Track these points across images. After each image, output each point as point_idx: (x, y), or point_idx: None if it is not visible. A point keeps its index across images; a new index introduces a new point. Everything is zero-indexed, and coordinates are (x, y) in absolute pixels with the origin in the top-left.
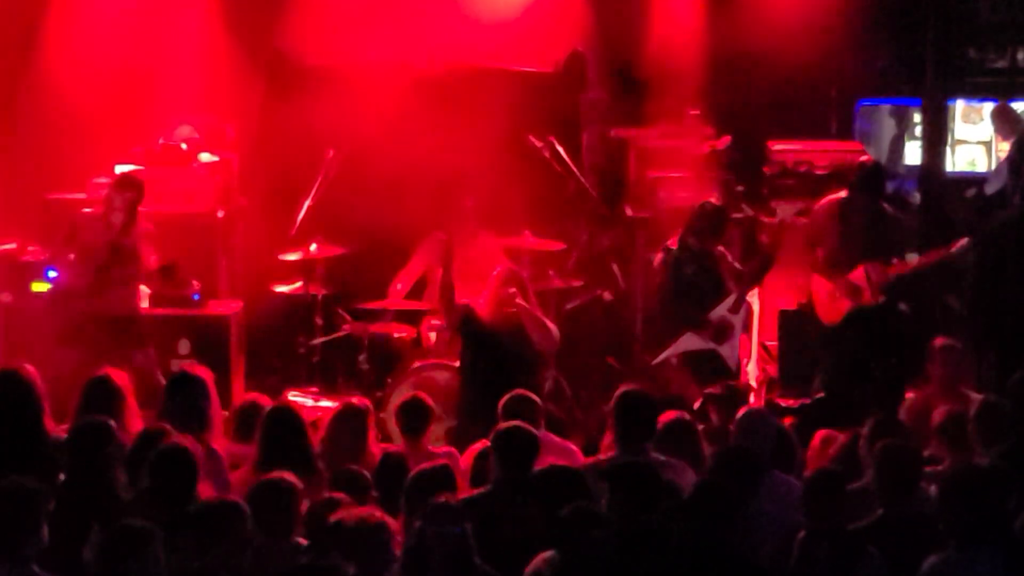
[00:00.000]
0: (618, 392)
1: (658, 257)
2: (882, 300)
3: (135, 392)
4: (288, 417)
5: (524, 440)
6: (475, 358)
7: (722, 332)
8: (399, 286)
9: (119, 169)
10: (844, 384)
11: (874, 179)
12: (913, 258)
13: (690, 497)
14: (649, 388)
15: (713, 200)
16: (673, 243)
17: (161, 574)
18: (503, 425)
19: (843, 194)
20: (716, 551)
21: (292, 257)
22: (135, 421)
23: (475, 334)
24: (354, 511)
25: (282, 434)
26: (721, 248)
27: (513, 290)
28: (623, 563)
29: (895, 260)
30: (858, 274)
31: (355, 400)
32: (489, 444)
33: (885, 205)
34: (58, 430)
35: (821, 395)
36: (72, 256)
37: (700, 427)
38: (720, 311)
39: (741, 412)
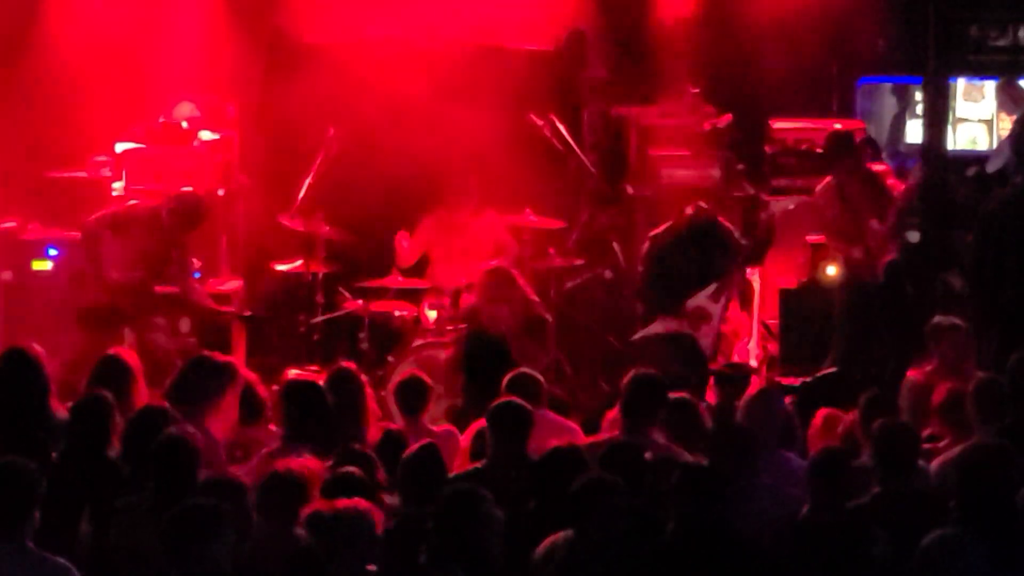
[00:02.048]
0: (629, 375)
1: (646, 244)
2: (883, 274)
3: (145, 367)
4: (309, 392)
5: (518, 414)
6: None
7: (698, 320)
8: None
9: (119, 147)
10: (851, 359)
11: (844, 143)
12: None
13: (677, 480)
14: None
15: (704, 206)
16: (659, 231)
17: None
18: (497, 400)
19: (831, 176)
20: (714, 531)
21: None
22: (143, 400)
23: (479, 351)
24: (333, 501)
25: (305, 411)
26: (723, 227)
27: (503, 314)
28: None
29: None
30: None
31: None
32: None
33: (871, 167)
34: (62, 409)
35: (822, 373)
36: (110, 246)
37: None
38: (699, 299)
39: (751, 392)
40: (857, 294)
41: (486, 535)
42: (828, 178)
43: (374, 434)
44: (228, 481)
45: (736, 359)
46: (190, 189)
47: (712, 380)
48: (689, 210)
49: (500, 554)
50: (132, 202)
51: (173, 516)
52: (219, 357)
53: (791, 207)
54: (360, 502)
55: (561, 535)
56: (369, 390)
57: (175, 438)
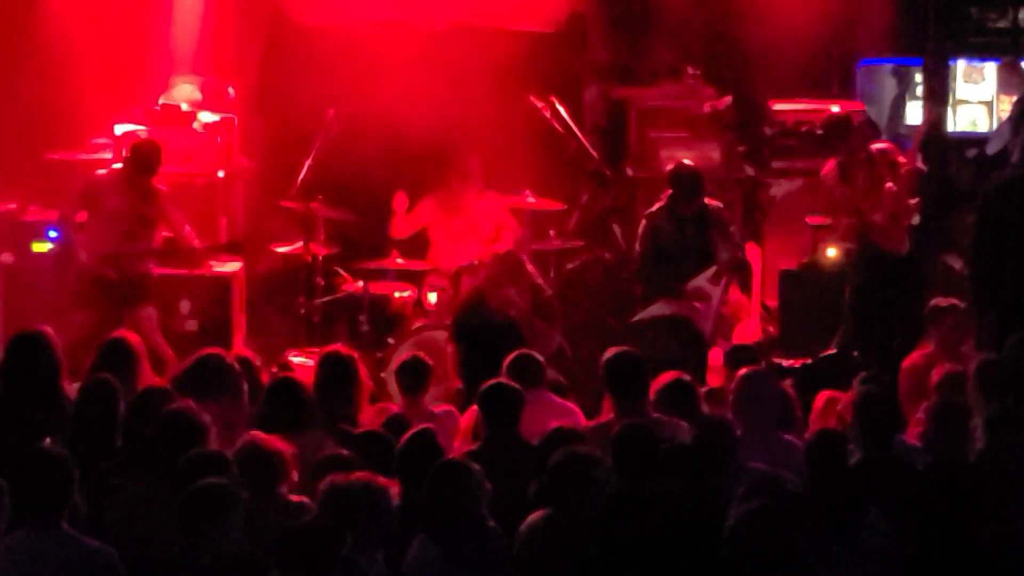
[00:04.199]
0: (606, 355)
1: (642, 223)
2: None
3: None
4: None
5: (508, 396)
6: (475, 349)
7: (698, 303)
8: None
9: (119, 129)
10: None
11: (840, 127)
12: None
13: (670, 461)
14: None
15: (686, 162)
16: (654, 209)
17: (239, 537)
18: (487, 383)
19: (833, 160)
20: (709, 512)
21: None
22: (147, 383)
23: (476, 329)
24: (351, 474)
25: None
26: (716, 207)
27: (511, 295)
28: (616, 522)
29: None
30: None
31: (339, 348)
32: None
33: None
34: (69, 390)
35: (823, 355)
36: (85, 217)
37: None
38: (699, 281)
39: (740, 373)
40: (873, 266)
41: (475, 505)
42: (831, 161)
43: (368, 416)
44: (212, 455)
45: (736, 341)
46: (143, 137)
47: (722, 361)
48: (669, 166)
49: (485, 523)
50: (100, 171)
51: (189, 495)
52: (226, 356)
53: (792, 189)
54: (377, 477)
55: (540, 512)
56: (363, 372)
57: (179, 412)
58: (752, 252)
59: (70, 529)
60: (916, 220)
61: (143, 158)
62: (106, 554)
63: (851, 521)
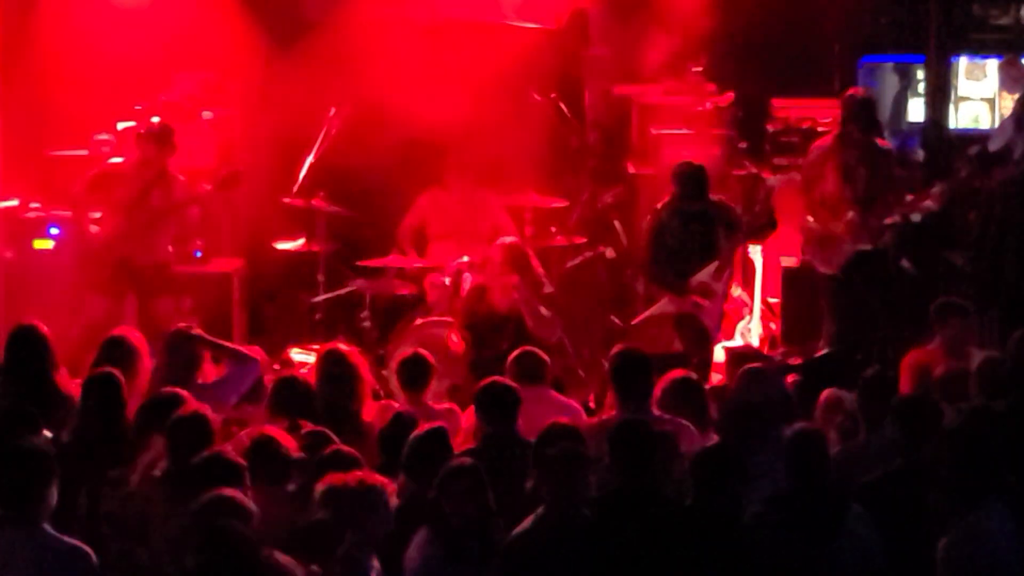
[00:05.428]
0: (613, 352)
1: (648, 219)
2: (881, 247)
3: (152, 341)
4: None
5: (505, 395)
6: (482, 339)
7: (702, 300)
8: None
9: (121, 126)
10: (850, 337)
11: (863, 109)
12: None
13: (694, 462)
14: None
15: (692, 159)
16: (660, 205)
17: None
18: (483, 382)
19: (836, 131)
20: (712, 513)
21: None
22: (146, 379)
23: (481, 323)
24: (346, 476)
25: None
26: (721, 202)
27: (515, 281)
28: (612, 519)
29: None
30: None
31: (340, 345)
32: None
33: (879, 140)
34: (69, 385)
35: (824, 352)
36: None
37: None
38: (702, 276)
39: (741, 370)
40: (859, 261)
41: (483, 505)
42: (829, 137)
43: (371, 413)
44: (220, 456)
45: (736, 337)
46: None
47: (725, 360)
48: (671, 163)
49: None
50: (113, 160)
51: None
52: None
53: (788, 181)
54: (373, 476)
55: (529, 517)
56: (366, 369)
57: (195, 415)
58: (753, 249)
59: (48, 527)
60: (917, 218)
61: (158, 134)
62: (80, 554)
63: (832, 518)
